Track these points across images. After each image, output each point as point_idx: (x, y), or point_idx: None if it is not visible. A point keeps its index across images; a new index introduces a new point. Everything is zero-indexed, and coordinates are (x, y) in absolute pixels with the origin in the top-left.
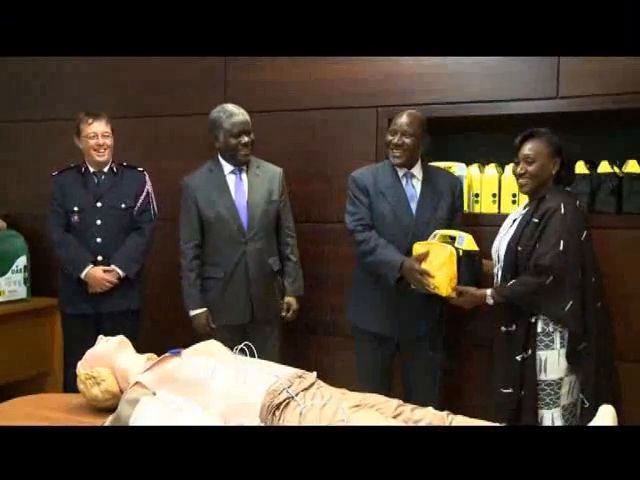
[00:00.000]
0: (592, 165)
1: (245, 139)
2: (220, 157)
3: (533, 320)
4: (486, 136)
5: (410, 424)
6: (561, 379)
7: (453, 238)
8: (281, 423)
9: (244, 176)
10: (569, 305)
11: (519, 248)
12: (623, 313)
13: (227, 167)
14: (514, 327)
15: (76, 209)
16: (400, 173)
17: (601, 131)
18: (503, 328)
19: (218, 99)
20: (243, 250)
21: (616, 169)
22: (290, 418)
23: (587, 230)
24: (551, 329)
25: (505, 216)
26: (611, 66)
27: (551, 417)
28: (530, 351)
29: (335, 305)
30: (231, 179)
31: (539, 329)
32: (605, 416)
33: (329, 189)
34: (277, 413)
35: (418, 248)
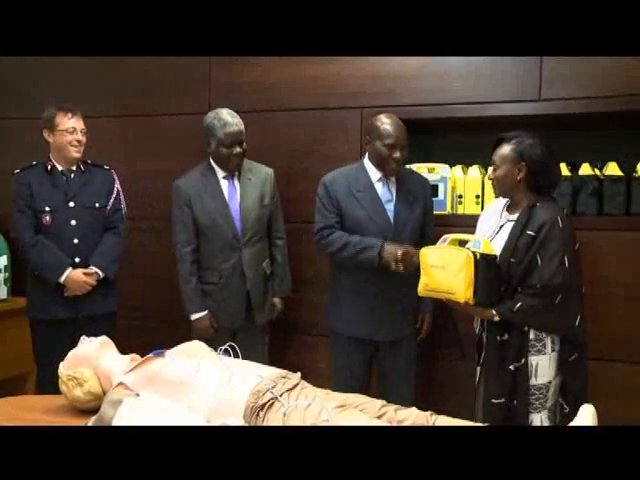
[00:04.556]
0: (573, 167)
1: (237, 150)
2: (212, 161)
3: (526, 328)
4: (469, 137)
5: (394, 424)
6: (549, 382)
7: (464, 242)
8: (265, 424)
9: (236, 182)
10: (579, 319)
11: (512, 260)
12: (604, 314)
13: (220, 172)
14: (507, 336)
15: (48, 209)
16: (375, 177)
17: (582, 133)
18: (498, 337)
19: (202, 99)
20: (239, 255)
21: (597, 171)
22: (274, 419)
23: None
24: (543, 334)
25: None
26: (592, 69)
27: (540, 420)
28: (523, 360)
29: (320, 305)
30: (224, 184)
31: (531, 336)
32: (586, 415)
33: (313, 190)
34: (261, 414)
35: (428, 252)
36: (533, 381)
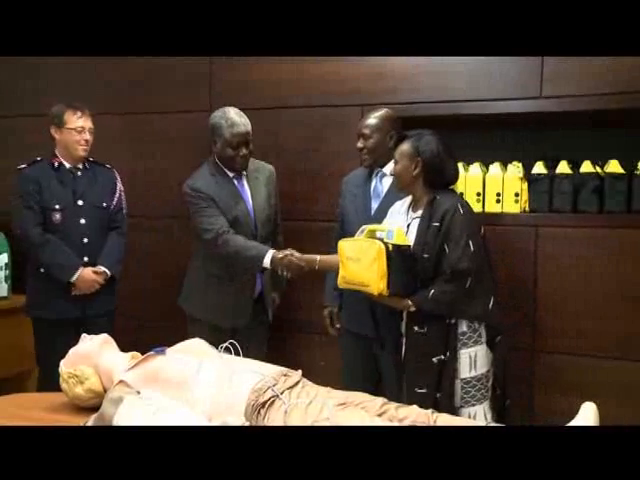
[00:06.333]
0: (575, 165)
1: (243, 151)
2: (218, 161)
3: (453, 321)
4: (470, 135)
5: (395, 422)
6: (488, 371)
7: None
8: (266, 422)
9: (245, 182)
10: (491, 301)
11: (425, 255)
12: (604, 312)
13: (229, 172)
14: (425, 329)
15: (57, 207)
16: (374, 173)
17: (584, 131)
18: (416, 328)
19: (203, 97)
20: None
21: (598, 169)
22: (275, 417)
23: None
24: (477, 325)
25: (489, 215)
26: (593, 67)
27: (483, 411)
28: (450, 353)
29: (319, 303)
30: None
31: (464, 328)
32: (589, 414)
33: (313, 188)
34: (262, 412)
35: (345, 245)
36: (473, 373)
